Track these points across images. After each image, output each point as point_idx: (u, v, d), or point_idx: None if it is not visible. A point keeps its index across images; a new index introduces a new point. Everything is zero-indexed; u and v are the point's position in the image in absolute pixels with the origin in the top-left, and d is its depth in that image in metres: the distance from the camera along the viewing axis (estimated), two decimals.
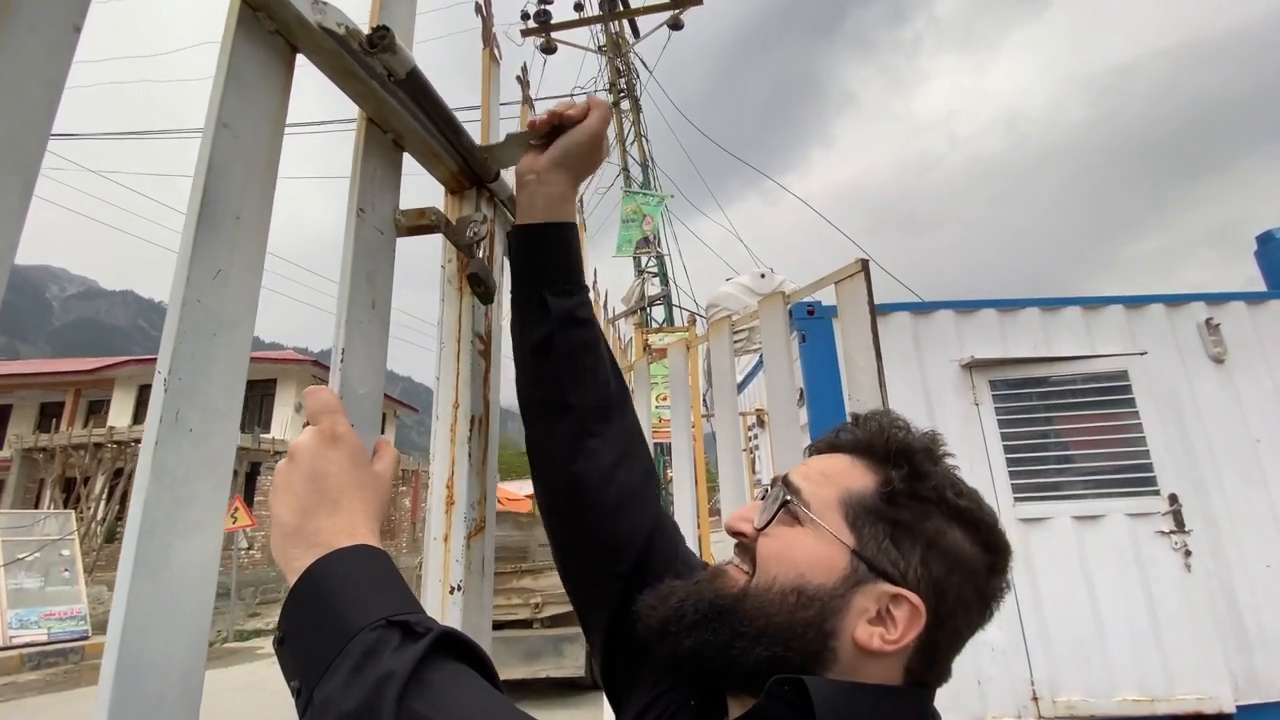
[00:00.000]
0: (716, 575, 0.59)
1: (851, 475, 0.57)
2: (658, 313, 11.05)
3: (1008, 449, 4.21)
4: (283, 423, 21.44)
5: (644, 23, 11.83)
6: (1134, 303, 4.36)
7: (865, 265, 1.19)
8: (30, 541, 10.68)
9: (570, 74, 12.11)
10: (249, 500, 16.47)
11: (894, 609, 0.52)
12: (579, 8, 11.69)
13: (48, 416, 22.51)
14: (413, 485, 26.73)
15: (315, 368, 22.44)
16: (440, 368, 0.79)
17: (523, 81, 1.30)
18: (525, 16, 11.62)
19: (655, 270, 10.99)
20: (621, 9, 11.62)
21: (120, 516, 17.84)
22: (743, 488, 1.83)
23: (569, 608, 6.42)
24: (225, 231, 0.51)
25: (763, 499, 0.61)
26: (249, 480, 19.25)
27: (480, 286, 0.77)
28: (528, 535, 6.82)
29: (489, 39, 1.09)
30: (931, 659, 0.54)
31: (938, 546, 0.53)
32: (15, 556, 10.19)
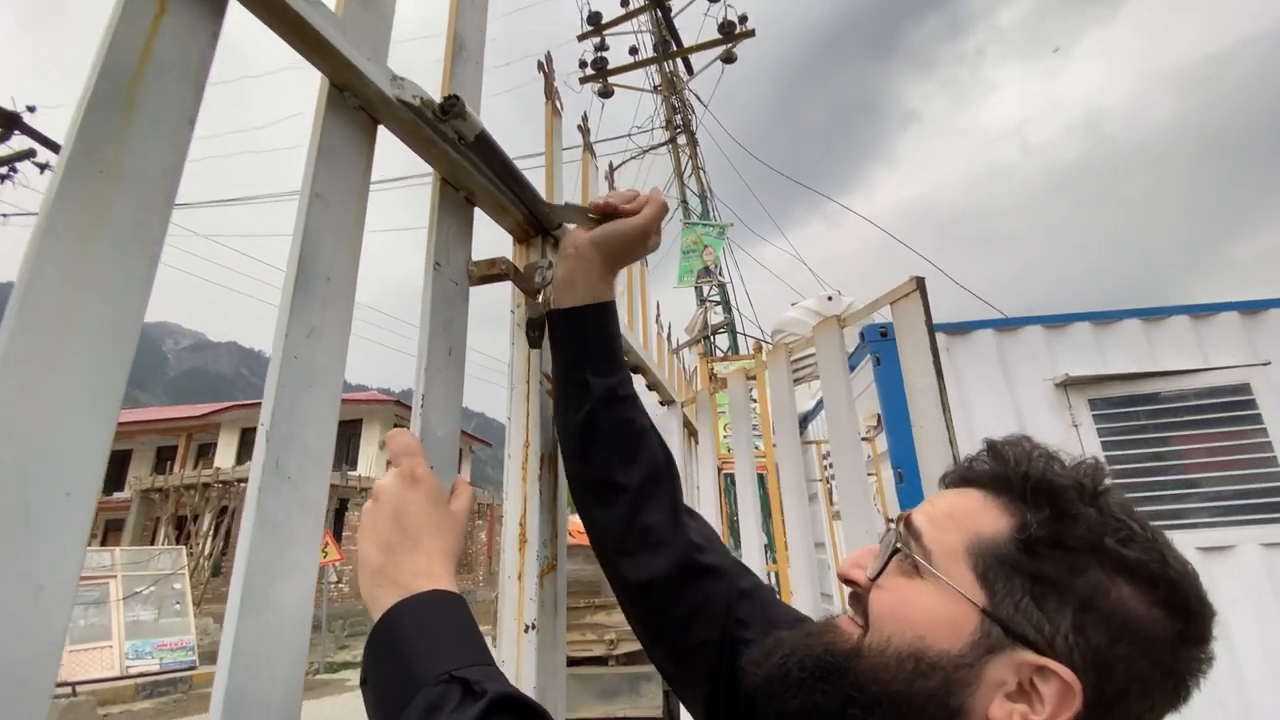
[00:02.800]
0: (827, 628, 0.53)
1: (983, 517, 0.49)
2: (722, 341, 10.99)
3: (1115, 474, 3.85)
4: (368, 460, 22.56)
5: (697, 60, 12.09)
6: (1251, 308, 3.96)
7: (920, 282, 1.15)
8: (146, 576, 11.61)
9: (627, 114, 12.47)
10: (337, 535, 17.34)
11: (1039, 683, 0.43)
12: (634, 51, 12.12)
13: (163, 459, 24.67)
14: (488, 519, 27.34)
15: (398, 407, 23.58)
16: (511, 407, 0.82)
17: (583, 130, 1.36)
18: (583, 65, 12.14)
19: (718, 299, 10.97)
20: (675, 49, 11.95)
21: (225, 552, 19.16)
22: (808, 522, 1.76)
23: None
24: (318, 292, 0.56)
25: (882, 540, 0.54)
26: (338, 516, 20.28)
27: (535, 332, 0.81)
28: (599, 569, 6.79)
29: (551, 93, 1.15)
30: None
31: (1096, 608, 0.43)
32: (133, 590, 11.08)
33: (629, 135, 11.87)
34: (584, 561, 6.87)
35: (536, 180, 1.09)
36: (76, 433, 0.37)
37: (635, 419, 0.74)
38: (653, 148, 11.83)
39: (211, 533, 19.81)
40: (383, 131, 0.69)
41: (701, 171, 11.78)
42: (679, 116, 11.97)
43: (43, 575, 0.35)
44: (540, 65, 1.15)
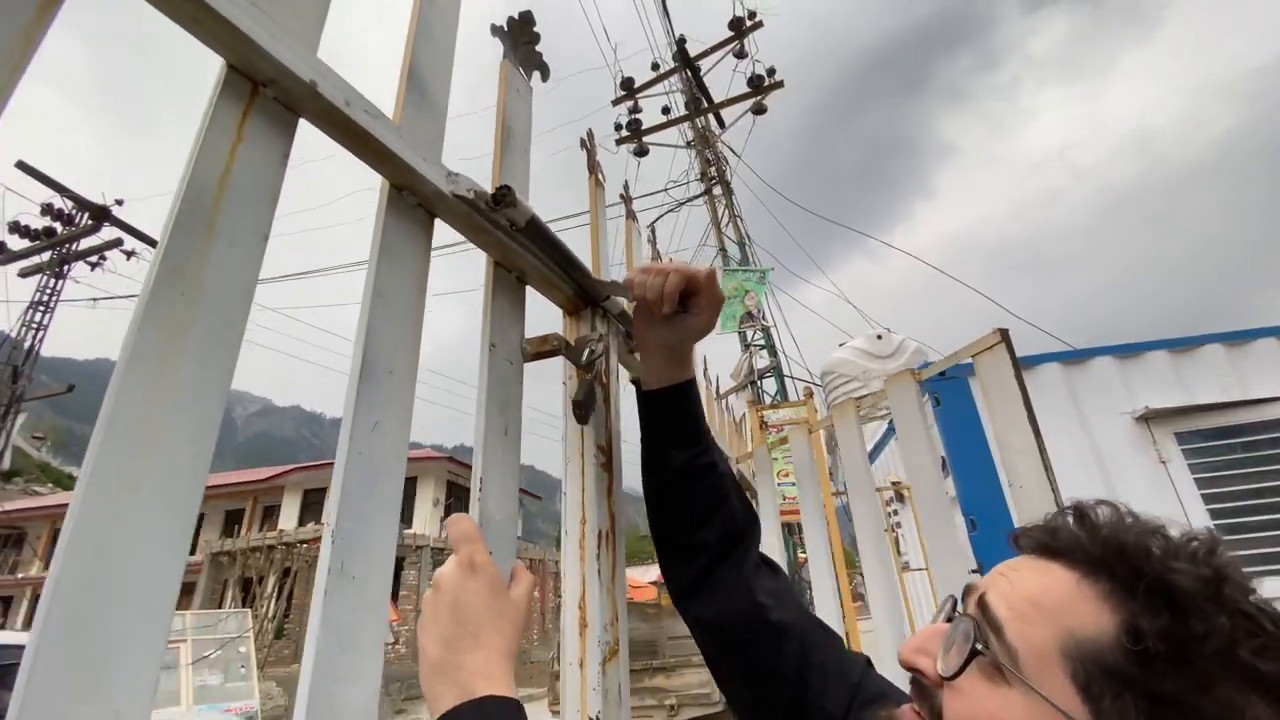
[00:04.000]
0: None
1: (1077, 609, 0.42)
2: (769, 385, 10.83)
3: (1214, 513, 3.55)
4: (424, 518, 22.86)
5: (728, 113, 12.42)
6: None
7: (1005, 334, 1.09)
8: (214, 639, 11.86)
9: (663, 169, 12.84)
10: (394, 595, 17.47)
11: None
12: (666, 111, 12.56)
13: (231, 523, 25.64)
14: (540, 575, 27.05)
15: (451, 464, 23.97)
16: (566, 483, 0.81)
17: (625, 198, 1.39)
18: (618, 127, 12.63)
19: (762, 343, 10.88)
20: (706, 106, 12.31)
21: (288, 614, 19.51)
22: (892, 582, 1.67)
23: (708, 709, 6.00)
24: (381, 386, 0.57)
25: (948, 621, 0.49)
26: (394, 576, 20.42)
27: (580, 410, 0.81)
28: (655, 628, 6.56)
29: (594, 167, 1.18)
30: None
31: None
32: (201, 654, 11.33)
33: (665, 190, 12.18)
34: (640, 621, 6.66)
35: (583, 246, 1.12)
36: (155, 557, 0.38)
37: (713, 486, 0.77)
38: (689, 199, 12.08)
39: (275, 594, 20.24)
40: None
41: (738, 219, 11.91)
42: (713, 169, 12.23)
43: (120, 701, 0.35)
44: (583, 141, 1.19)
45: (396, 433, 0.57)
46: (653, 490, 0.79)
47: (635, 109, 12.60)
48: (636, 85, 12.57)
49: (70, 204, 11.99)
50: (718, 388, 2.43)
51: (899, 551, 5.59)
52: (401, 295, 0.62)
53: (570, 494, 0.80)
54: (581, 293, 0.88)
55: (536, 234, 0.74)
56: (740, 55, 11.93)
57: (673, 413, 0.79)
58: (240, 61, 0.50)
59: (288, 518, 24.06)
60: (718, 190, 12.02)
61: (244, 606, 17.44)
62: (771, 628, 0.69)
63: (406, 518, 22.96)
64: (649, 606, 6.81)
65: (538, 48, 1.00)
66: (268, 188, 0.51)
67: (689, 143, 12.60)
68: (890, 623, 1.72)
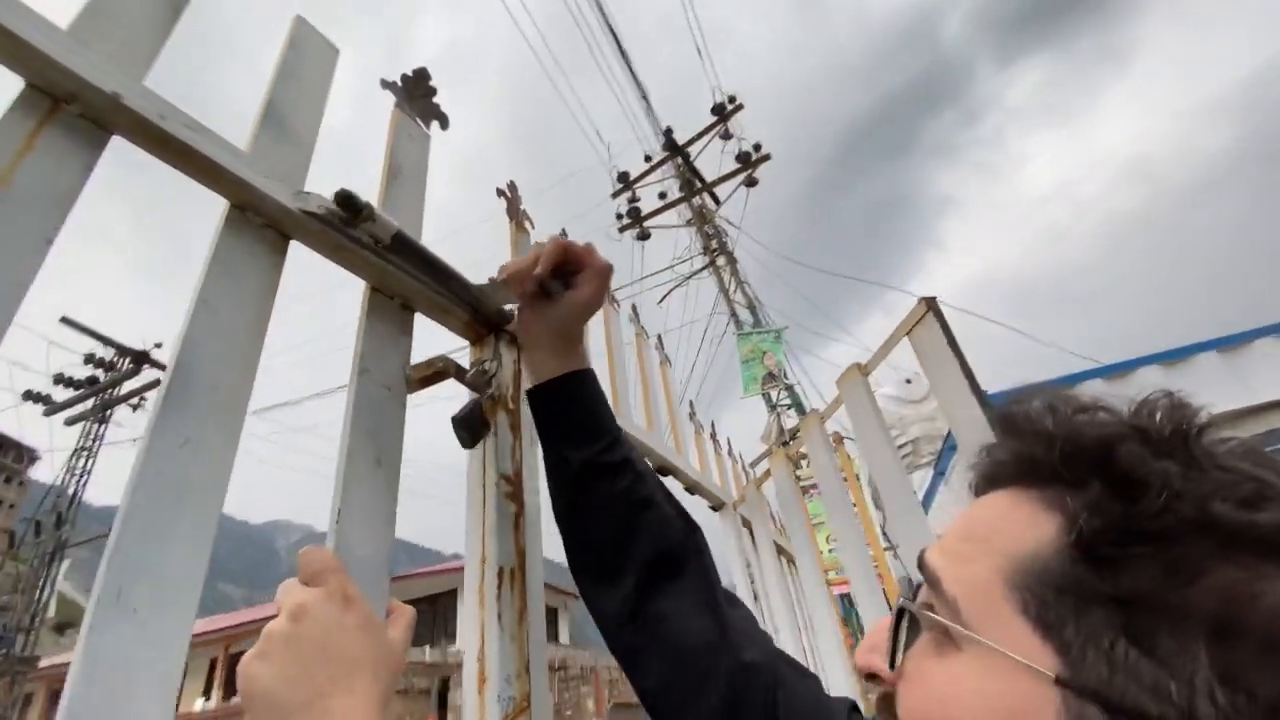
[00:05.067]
0: None
1: (1011, 524, 0.32)
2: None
3: None
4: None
5: (721, 190, 12.92)
6: None
7: (932, 303, 1.02)
8: None
9: (667, 248, 13.26)
10: (441, 718, 16.44)
11: None
12: (663, 195, 13.10)
13: None
14: (593, 683, 25.44)
15: None
16: (467, 519, 0.74)
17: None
18: (619, 216, 13.19)
19: (788, 402, 10.66)
20: (700, 186, 12.84)
21: None
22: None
23: None
24: (200, 402, 0.52)
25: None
26: (441, 700, 19.37)
27: (463, 431, 0.73)
28: None
29: (516, 214, 1.18)
30: None
31: (1244, 631, 0.25)
32: None
33: (671, 267, 12.49)
34: None
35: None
36: None
37: (631, 486, 0.65)
38: (695, 273, 12.34)
39: None
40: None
41: (745, 285, 12.07)
42: (714, 242, 12.56)
43: None
44: (500, 191, 1.20)
45: (216, 455, 0.52)
46: (560, 512, 0.67)
47: (634, 198, 13.20)
48: (632, 177, 13.22)
49: (112, 352, 12.74)
50: (714, 433, 2.32)
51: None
52: (236, 311, 0.58)
53: (470, 530, 0.73)
54: (480, 317, 0.84)
55: (406, 250, 0.72)
56: (726, 137, 12.55)
57: (565, 405, 0.69)
58: (38, 79, 0.50)
59: None
60: (721, 260, 12.28)
61: None
62: (743, 667, 0.57)
63: (452, 634, 22.06)
64: None
65: (435, 99, 1.02)
66: (58, 196, 0.49)
67: (688, 221, 13.05)
68: None
